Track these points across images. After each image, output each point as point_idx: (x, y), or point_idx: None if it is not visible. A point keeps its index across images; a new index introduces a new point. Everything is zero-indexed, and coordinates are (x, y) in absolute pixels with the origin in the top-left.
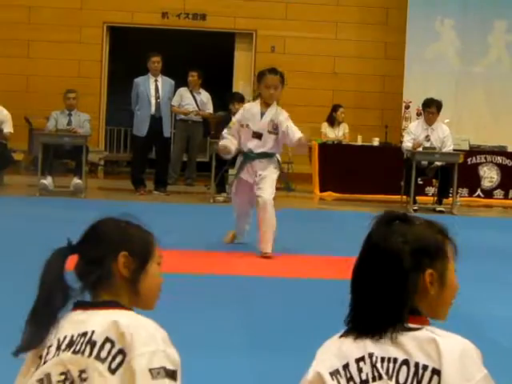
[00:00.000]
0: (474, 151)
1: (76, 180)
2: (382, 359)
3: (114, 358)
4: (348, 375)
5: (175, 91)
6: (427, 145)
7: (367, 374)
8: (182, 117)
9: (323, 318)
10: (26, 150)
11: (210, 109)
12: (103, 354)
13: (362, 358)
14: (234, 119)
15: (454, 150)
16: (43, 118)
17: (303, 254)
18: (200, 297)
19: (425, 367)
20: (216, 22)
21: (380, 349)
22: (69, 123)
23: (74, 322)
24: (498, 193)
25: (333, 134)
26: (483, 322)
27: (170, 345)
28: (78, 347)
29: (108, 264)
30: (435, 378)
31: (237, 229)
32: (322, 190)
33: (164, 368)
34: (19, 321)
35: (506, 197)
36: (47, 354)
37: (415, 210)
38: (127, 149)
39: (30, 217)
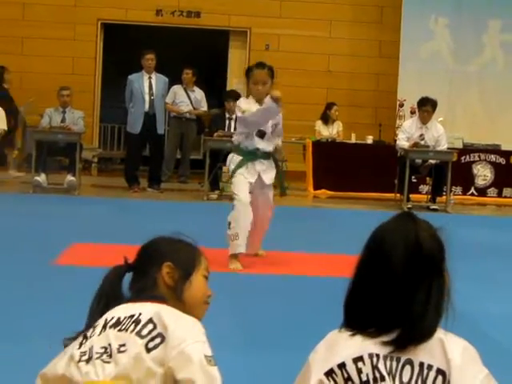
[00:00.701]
0: (467, 149)
1: (70, 177)
2: (385, 357)
3: (152, 339)
4: (345, 375)
5: (169, 88)
6: (421, 143)
7: (367, 375)
8: (176, 114)
9: (318, 315)
10: (19, 147)
11: (204, 106)
12: (144, 332)
13: (361, 358)
14: (241, 109)
15: (448, 148)
16: (37, 115)
17: (297, 251)
18: None
19: (430, 367)
20: (210, 20)
21: (381, 348)
22: (63, 120)
23: (123, 308)
24: (492, 191)
25: (327, 131)
26: (478, 319)
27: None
28: (123, 326)
29: (153, 273)
30: (440, 378)
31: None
32: (315, 188)
33: (213, 357)
34: (13, 316)
35: (499, 195)
36: (93, 332)
37: (409, 208)
38: (121, 146)
39: (24, 214)
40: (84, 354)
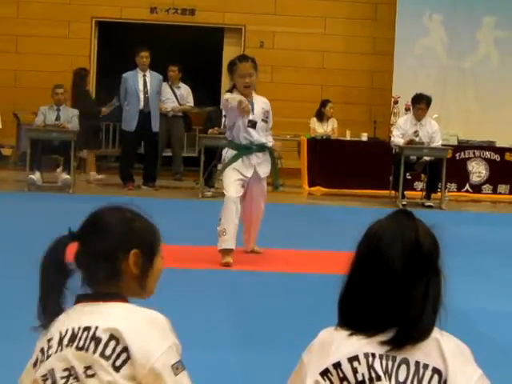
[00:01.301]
0: (462, 146)
1: (64, 175)
2: (381, 357)
3: (118, 356)
4: (341, 375)
5: None
6: (416, 140)
7: (363, 375)
8: (162, 111)
9: (314, 312)
10: (14, 146)
11: (190, 102)
12: (108, 352)
13: (356, 358)
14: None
15: (443, 145)
16: (31, 114)
17: (293, 248)
18: (189, 291)
19: (425, 366)
20: (205, 17)
21: (377, 347)
22: (57, 118)
23: (76, 315)
24: (487, 188)
25: (321, 129)
26: (473, 316)
27: (172, 330)
28: (81, 343)
29: (118, 262)
30: (435, 377)
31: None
32: (310, 185)
33: (180, 361)
34: (12, 312)
35: (494, 192)
36: (49, 347)
37: (404, 205)
38: (116, 144)
39: (20, 212)
40: (46, 378)
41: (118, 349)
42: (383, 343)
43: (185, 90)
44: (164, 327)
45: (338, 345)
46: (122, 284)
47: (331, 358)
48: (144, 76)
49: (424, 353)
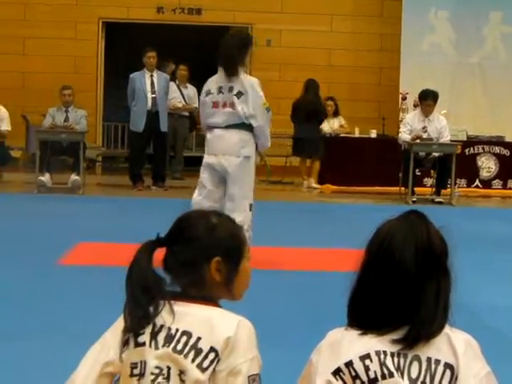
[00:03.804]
0: (471, 142)
1: (74, 176)
2: (392, 354)
3: (212, 363)
4: (353, 373)
5: None
6: (424, 136)
7: (375, 372)
8: (168, 110)
9: (324, 310)
10: (23, 148)
11: (196, 103)
12: (205, 364)
13: (368, 356)
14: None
15: (452, 140)
16: (40, 115)
17: (303, 246)
18: None
19: (437, 362)
20: (211, 17)
21: (389, 346)
22: (66, 120)
23: (170, 314)
24: (497, 183)
25: (327, 126)
26: (483, 311)
27: (256, 340)
28: (179, 346)
29: (201, 269)
30: (448, 372)
31: None
32: (320, 183)
33: (258, 374)
34: (21, 315)
35: (504, 187)
36: (138, 336)
37: (414, 202)
38: (124, 144)
39: (29, 214)
40: (135, 366)
41: (216, 359)
42: (395, 342)
43: (192, 91)
44: (251, 335)
45: (349, 344)
46: (210, 288)
47: (343, 358)
48: (151, 76)
49: (435, 349)
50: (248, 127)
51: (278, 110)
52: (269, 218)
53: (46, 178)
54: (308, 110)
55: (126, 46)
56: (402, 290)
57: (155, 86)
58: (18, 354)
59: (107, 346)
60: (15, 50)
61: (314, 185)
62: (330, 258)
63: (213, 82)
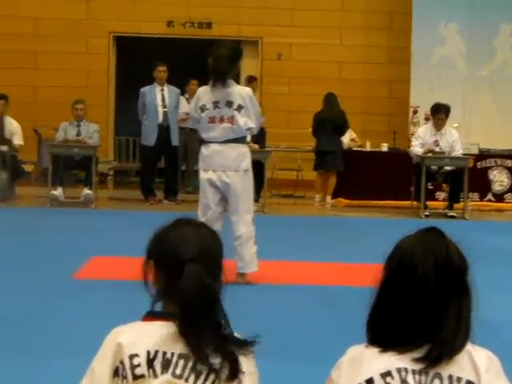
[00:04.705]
0: (483, 155)
1: (86, 190)
2: (413, 372)
3: (213, 383)
4: None
5: None
6: (436, 150)
7: None
8: (180, 124)
9: (337, 325)
10: (35, 162)
11: None
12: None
13: (389, 373)
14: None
15: (464, 154)
16: (52, 129)
17: (316, 261)
18: None
19: (459, 379)
20: (221, 30)
21: (410, 363)
22: (78, 134)
23: (155, 339)
24: (509, 196)
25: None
26: (498, 326)
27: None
28: (178, 371)
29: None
30: None
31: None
32: (332, 197)
33: None
34: (36, 331)
35: None
36: (135, 368)
37: (427, 216)
38: (136, 158)
39: (42, 228)
40: None
41: (215, 379)
42: (417, 360)
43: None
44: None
45: (370, 361)
46: None
47: (363, 375)
48: (162, 90)
49: (457, 366)
50: (244, 140)
51: (288, 123)
52: (280, 232)
53: (58, 192)
54: (335, 123)
55: (136, 59)
56: (422, 307)
57: (166, 100)
58: (34, 370)
59: (97, 381)
60: (27, 65)
61: (328, 199)
62: (342, 273)
63: (206, 97)
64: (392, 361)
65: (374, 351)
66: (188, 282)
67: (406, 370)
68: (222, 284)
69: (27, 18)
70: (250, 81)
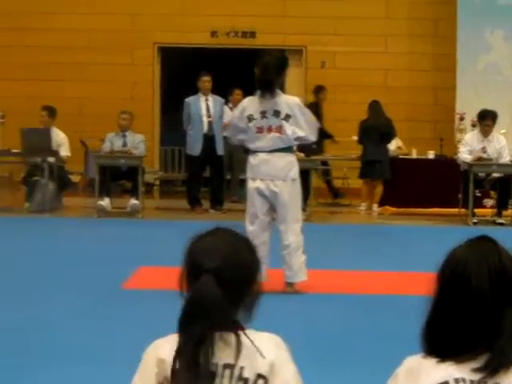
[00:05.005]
0: None
1: (133, 201)
2: (471, 382)
3: None
4: None
5: None
6: (484, 156)
7: None
8: (224, 134)
9: (387, 334)
10: (82, 172)
11: None
12: None
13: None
14: None
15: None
16: (98, 140)
17: (362, 269)
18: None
19: None
20: (265, 39)
21: (468, 374)
22: (124, 144)
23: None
24: None
25: None
26: None
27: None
28: (226, 382)
29: (243, 290)
30: None
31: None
32: (378, 205)
33: None
34: (88, 339)
35: None
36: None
37: (475, 223)
38: (181, 168)
39: (90, 238)
40: None
41: None
42: (475, 370)
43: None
44: (287, 350)
45: (428, 372)
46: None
47: None
48: (206, 100)
49: None
50: (292, 149)
51: (334, 132)
52: (327, 241)
53: (105, 202)
54: (381, 131)
55: (180, 70)
56: (478, 317)
57: (210, 110)
58: (82, 380)
59: None
60: (73, 77)
61: (375, 207)
62: (391, 282)
63: (253, 107)
64: (450, 371)
65: (431, 362)
66: (193, 293)
67: (464, 380)
68: (250, 293)
69: (73, 31)
70: (319, 90)
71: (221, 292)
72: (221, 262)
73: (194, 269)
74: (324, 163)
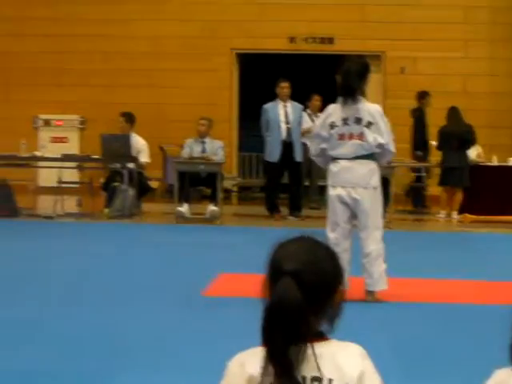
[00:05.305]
0: None
1: (212, 207)
2: None
3: None
4: None
5: None
6: None
7: None
8: (303, 140)
9: (471, 345)
10: (161, 178)
11: None
12: None
13: None
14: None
15: None
16: (176, 146)
17: (442, 278)
18: (342, 324)
19: None
20: (343, 45)
21: None
22: (203, 151)
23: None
24: None
25: None
26: None
27: None
28: None
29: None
30: None
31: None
32: (458, 213)
33: None
34: (170, 347)
35: None
36: None
37: None
38: (259, 174)
39: (170, 244)
40: None
41: None
42: None
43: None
44: (370, 360)
45: None
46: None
47: None
48: (285, 106)
49: None
50: (373, 156)
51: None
52: (407, 249)
53: (184, 208)
54: (462, 138)
55: (259, 75)
56: None
57: (289, 116)
58: None
59: None
60: (152, 83)
61: (454, 215)
62: (472, 290)
63: (335, 114)
64: None
65: None
66: (273, 296)
67: None
68: (332, 302)
69: (153, 38)
70: (422, 95)
71: (301, 295)
72: (301, 265)
73: (274, 273)
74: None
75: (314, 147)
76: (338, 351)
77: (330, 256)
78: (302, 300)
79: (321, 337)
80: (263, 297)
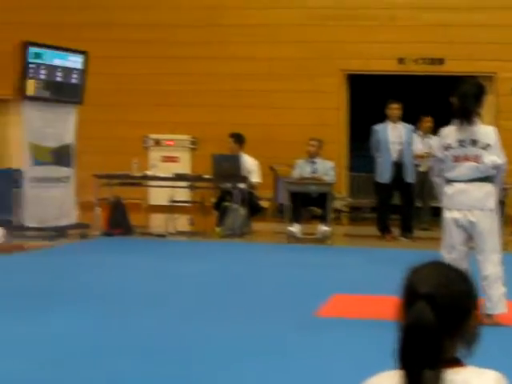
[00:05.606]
0: None
1: (323, 227)
2: None
3: None
4: None
5: None
6: None
7: None
8: (415, 162)
9: None
10: (271, 198)
11: None
12: None
13: None
14: None
15: None
16: (286, 166)
17: None
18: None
19: None
20: (454, 66)
21: None
22: (313, 171)
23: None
24: None
25: None
26: None
27: None
28: None
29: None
30: None
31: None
32: None
33: None
34: (273, 365)
35: None
36: None
37: None
38: (370, 195)
39: (281, 264)
40: None
41: None
42: None
43: (435, 142)
44: None
45: None
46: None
47: None
48: (395, 127)
49: None
50: (490, 179)
51: None
52: None
53: (296, 228)
54: None
55: (367, 96)
56: None
57: (400, 138)
58: None
59: None
60: (261, 104)
61: None
62: None
63: (451, 136)
64: None
65: None
66: (408, 320)
67: None
68: (468, 326)
69: (262, 59)
70: None
71: (435, 319)
72: (434, 288)
73: (408, 296)
74: None
75: (435, 168)
76: (472, 378)
77: (464, 278)
78: (436, 323)
79: (457, 363)
80: (398, 320)
